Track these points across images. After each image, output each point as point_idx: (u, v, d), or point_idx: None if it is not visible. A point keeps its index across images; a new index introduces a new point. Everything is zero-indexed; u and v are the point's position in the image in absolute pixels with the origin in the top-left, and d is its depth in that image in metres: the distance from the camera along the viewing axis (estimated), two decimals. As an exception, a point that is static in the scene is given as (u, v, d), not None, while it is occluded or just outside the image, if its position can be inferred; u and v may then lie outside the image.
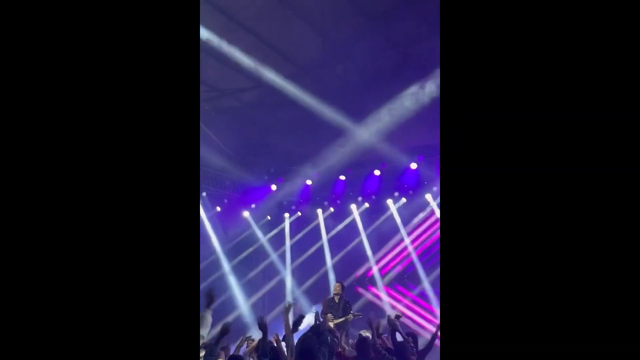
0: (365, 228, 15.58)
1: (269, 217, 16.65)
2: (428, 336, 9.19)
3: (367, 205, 15.67)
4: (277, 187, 15.76)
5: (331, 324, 8.95)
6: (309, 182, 15.35)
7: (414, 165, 13.95)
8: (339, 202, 15.90)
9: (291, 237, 16.24)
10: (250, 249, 16.24)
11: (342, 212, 16.01)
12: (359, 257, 15.44)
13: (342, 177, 15.24)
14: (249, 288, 15.96)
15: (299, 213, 16.49)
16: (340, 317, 10.30)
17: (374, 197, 15.42)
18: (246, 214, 16.35)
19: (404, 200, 15.20)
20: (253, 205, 16.10)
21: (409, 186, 14.69)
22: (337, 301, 10.84)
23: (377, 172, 14.87)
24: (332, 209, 16.14)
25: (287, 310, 6.99)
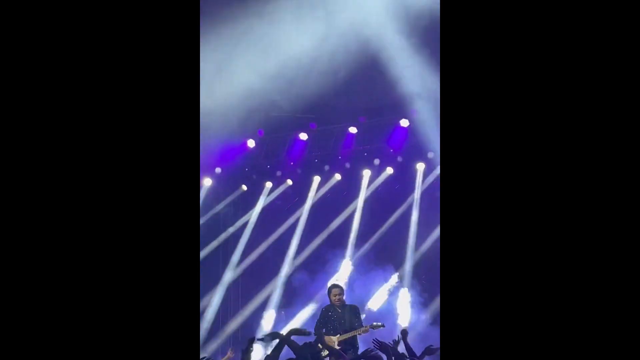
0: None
1: (244, 187, 14.38)
2: None
3: (390, 171, 13.50)
4: (256, 144, 13.72)
5: (334, 342, 8.72)
6: (303, 136, 13.40)
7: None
8: (347, 165, 13.64)
9: (283, 217, 14.16)
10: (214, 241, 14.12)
11: (352, 182, 13.83)
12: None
13: (353, 130, 12.99)
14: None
15: (289, 181, 14.24)
16: (348, 331, 9.09)
17: (399, 158, 13.06)
18: (208, 181, 14.01)
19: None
20: (219, 170, 13.72)
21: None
22: (339, 310, 9.29)
23: (404, 123, 12.35)
24: (339, 176, 13.91)
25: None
